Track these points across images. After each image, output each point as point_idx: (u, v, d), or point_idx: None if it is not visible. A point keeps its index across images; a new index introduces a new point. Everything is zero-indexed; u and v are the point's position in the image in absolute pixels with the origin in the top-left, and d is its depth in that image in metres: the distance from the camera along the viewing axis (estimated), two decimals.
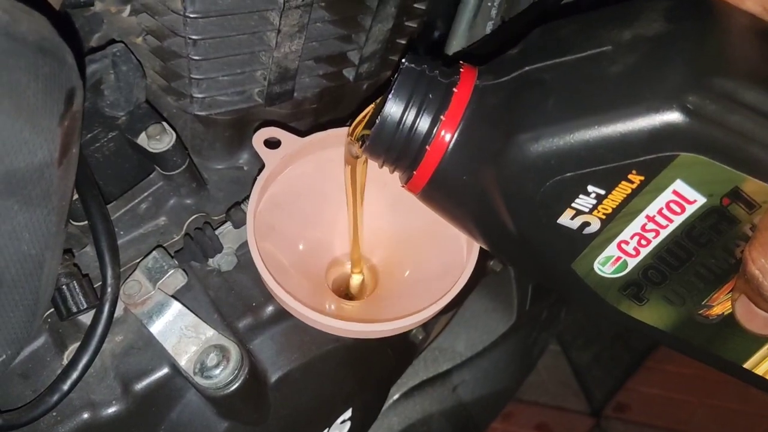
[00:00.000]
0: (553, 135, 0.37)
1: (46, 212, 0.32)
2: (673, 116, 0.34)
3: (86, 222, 0.50)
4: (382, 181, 0.55)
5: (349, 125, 0.49)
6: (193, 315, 0.50)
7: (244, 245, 0.55)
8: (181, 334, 0.49)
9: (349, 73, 0.62)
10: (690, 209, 0.37)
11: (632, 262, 0.40)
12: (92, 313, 0.48)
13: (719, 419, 1.36)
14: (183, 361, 0.48)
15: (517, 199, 0.39)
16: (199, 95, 0.55)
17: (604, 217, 0.38)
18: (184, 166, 0.54)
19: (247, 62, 0.55)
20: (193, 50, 0.51)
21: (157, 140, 0.52)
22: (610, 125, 0.36)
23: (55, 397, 0.46)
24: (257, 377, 0.52)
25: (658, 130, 0.35)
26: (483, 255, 0.50)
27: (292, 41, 0.54)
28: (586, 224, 0.39)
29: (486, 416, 0.92)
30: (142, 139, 0.53)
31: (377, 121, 0.42)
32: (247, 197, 0.53)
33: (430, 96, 0.42)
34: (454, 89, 0.42)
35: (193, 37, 0.50)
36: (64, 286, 0.48)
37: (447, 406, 0.84)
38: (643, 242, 0.39)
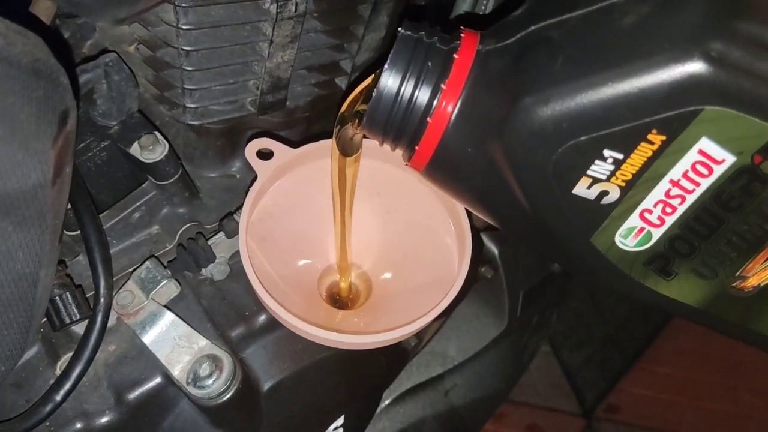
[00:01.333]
0: (564, 96, 0.34)
1: (40, 231, 0.32)
2: (695, 66, 0.31)
3: (79, 232, 0.50)
4: (374, 190, 0.56)
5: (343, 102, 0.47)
6: (186, 325, 0.50)
7: (237, 254, 0.55)
8: (174, 344, 0.49)
9: (341, 82, 0.62)
10: (718, 170, 0.34)
11: (657, 233, 0.37)
12: (85, 323, 0.48)
13: (708, 420, 1.37)
14: (176, 371, 0.49)
15: (528, 170, 0.36)
16: (192, 105, 0.55)
17: (623, 184, 0.35)
18: (176, 176, 0.55)
19: (239, 72, 0.55)
20: (186, 61, 0.52)
21: (150, 150, 0.53)
22: (625, 81, 0.32)
23: (48, 407, 0.46)
24: (250, 386, 0.52)
25: (679, 83, 0.31)
26: (474, 262, 0.50)
27: (284, 51, 0.54)
28: (605, 193, 0.35)
29: (478, 420, 0.93)
30: (134, 149, 0.53)
31: (373, 95, 0.40)
32: (240, 207, 0.53)
33: (429, 64, 0.39)
34: (455, 55, 0.39)
35: (186, 48, 0.51)
36: (57, 297, 0.48)
37: (439, 410, 0.85)
38: (668, 210, 0.36)
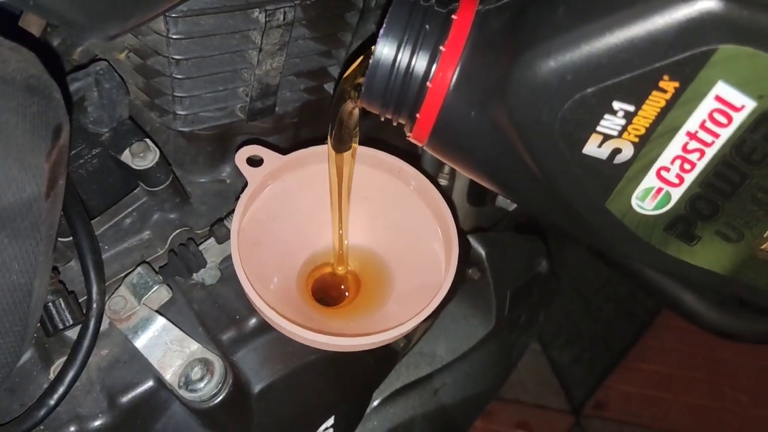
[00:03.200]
0: (566, 45, 0.31)
1: (34, 243, 0.33)
2: (705, 2, 0.29)
3: (71, 238, 0.51)
4: (362, 195, 0.56)
5: (342, 75, 0.45)
6: (178, 329, 0.51)
7: (227, 259, 0.56)
8: (166, 348, 0.50)
9: (330, 88, 0.63)
10: (738, 118, 0.31)
11: (676, 193, 0.34)
12: (78, 328, 0.49)
13: (693, 415, 1.39)
14: (168, 375, 0.49)
15: (533, 131, 0.34)
16: (182, 112, 0.56)
17: (636, 139, 0.32)
18: (167, 182, 0.55)
19: (229, 79, 0.56)
20: (176, 69, 0.52)
21: (141, 158, 0.53)
22: (631, 24, 0.30)
23: (43, 412, 0.47)
24: (241, 389, 0.53)
25: (689, 22, 0.29)
26: (462, 264, 0.51)
27: (273, 59, 0.55)
28: (617, 151, 0.33)
29: (467, 418, 0.94)
30: (126, 156, 0.54)
31: (370, 63, 0.38)
32: (230, 213, 0.54)
33: (427, 27, 0.37)
34: (453, 16, 0.37)
35: (176, 57, 0.51)
36: (50, 303, 0.48)
37: (428, 409, 0.85)
38: (687, 167, 0.33)
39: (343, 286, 0.59)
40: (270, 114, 0.60)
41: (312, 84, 0.61)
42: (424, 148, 0.40)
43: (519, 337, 0.94)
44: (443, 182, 0.78)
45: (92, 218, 0.55)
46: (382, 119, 0.42)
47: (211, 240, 0.55)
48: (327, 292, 0.58)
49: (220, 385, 0.49)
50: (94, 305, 0.48)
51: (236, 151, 0.54)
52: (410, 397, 0.84)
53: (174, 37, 0.50)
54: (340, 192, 0.52)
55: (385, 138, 0.75)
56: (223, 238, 0.54)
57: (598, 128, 0.32)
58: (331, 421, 0.64)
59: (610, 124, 0.32)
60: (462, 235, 0.77)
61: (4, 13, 0.45)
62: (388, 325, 0.48)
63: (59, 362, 0.51)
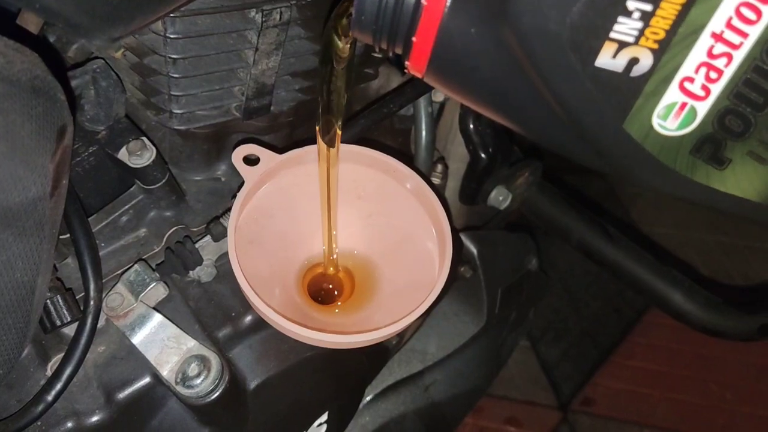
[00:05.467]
0: None
1: (38, 241, 0.33)
2: None
3: (68, 235, 0.51)
4: (357, 194, 0.57)
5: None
6: (175, 326, 0.52)
7: (223, 256, 0.57)
8: (163, 344, 0.51)
9: None
10: None
11: (703, 108, 0.30)
12: (75, 325, 0.49)
13: (680, 412, 1.41)
14: (165, 371, 0.50)
15: (540, 42, 0.30)
16: (178, 110, 0.56)
17: (655, 46, 0.29)
18: (164, 180, 0.56)
19: (225, 79, 0.56)
20: (173, 68, 0.53)
21: (138, 156, 0.54)
22: None
23: (40, 408, 0.47)
24: (237, 385, 0.53)
25: None
26: (454, 263, 0.52)
27: (269, 58, 0.56)
28: (634, 61, 0.29)
29: (457, 414, 0.95)
30: (122, 154, 0.54)
31: None
32: (226, 211, 0.55)
33: None
34: None
35: (173, 56, 0.52)
36: (48, 300, 0.49)
37: (420, 405, 0.87)
38: (713, 75, 0.29)
39: (338, 285, 0.59)
40: (265, 113, 0.60)
41: (307, 84, 0.61)
42: (424, 79, 0.37)
43: (509, 334, 0.95)
44: (436, 181, 0.79)
45: (89, 216, 0.55)
46: (377, 50, 0.38)
47: (208, 238, 0.55)
48: (322, 289, 0.59)
49: (216, 382, 0.49)
50: (92, 302, 0.49)
51: (232, 150, 0.54)
52: (402, 393, 0.85)
53: (171, 36, 0.50)
54: (329, 189, 0.53)
55: (378, 138, 0.75)
56: (220, 235, 0.55)
57: (612, 34, 0.29)
58: (325, 417, 0.64)
59: (625, 28, 0.29)
60: (454, 232, 0.78)
61: (2, 10, 0.45)
62: (383, 322, 0.49)
63: (56, 359, 0.51)
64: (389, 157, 0.55)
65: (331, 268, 0.58)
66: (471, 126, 0.80)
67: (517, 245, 0.93)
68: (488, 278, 0.83)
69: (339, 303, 0.58)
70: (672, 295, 0.82)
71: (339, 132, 0.50)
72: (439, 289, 0.49)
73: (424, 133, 0.73)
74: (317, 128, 0.50)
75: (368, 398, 0.83)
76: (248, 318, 0.55)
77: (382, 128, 0.75)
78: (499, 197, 0.85)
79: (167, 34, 0.50)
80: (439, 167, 0.79)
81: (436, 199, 0.53)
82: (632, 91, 0.30)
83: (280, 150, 0.55)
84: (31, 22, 0.45)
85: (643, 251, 0.86)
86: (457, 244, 0.79)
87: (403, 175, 0.55)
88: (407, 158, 0.75)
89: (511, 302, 0.90)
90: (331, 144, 0.50)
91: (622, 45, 0.29)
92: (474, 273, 0.82)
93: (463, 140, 0.82)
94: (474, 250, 0.81)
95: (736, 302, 0.84)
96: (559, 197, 0.90)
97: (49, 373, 0.51)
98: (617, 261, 0.85)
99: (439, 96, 0.78)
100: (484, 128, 0.81)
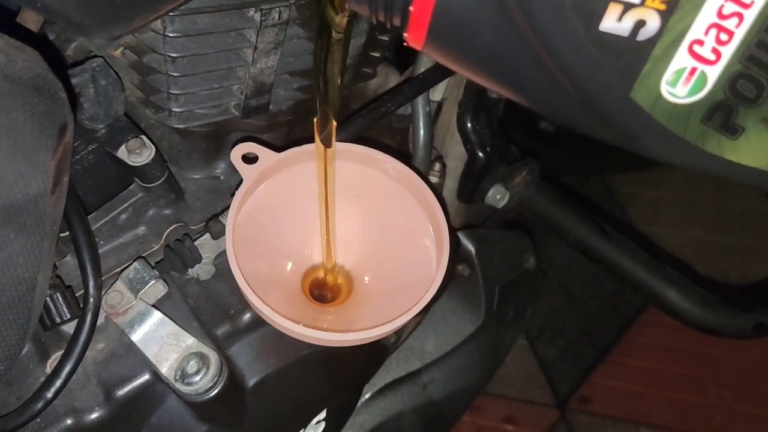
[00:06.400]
0: None
1: (39, 238, 0.33)
2: None
3: (67, 233, 0.51)
4: (355, 192, 0.57)
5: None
6: (174, 323, 0.52)
7: (222, 254, 0.57)
8: (162, 342, 0.51)
9: None
10: None
11: (713, 73, 0.29)
12: (75, 322, 0.50)
13: (676, 411, 1.41)
14: (164, 369, 0.50)
15: (541, 9, 0.29)
16: (177, 109, 0.56)
17: (663, 6, 0.27)
18: (163, 179, 0.56)
19: (224, 77, 0.56)
20: (172, 67, 0.53)
21: (137, 154, 0.54)
22: None
23: (40, 405, 0.48)
24: (235, 382, 0.54)
25: None
26: (451, 261, 0.52)
27: (268, 57, 0.56)
28: (641, 24, 0.28)
29: (455, 412, 0.95)
30: (121, 153, 0.54)
31: None
32: (225, 209, 0.55)
33: None
34: None
35: (172, 54, 0.52)
36: (48, 298, 0.49)
37: (418, 403, 0.87)
38: (724, 37, 0.28)
39: (335, 283, 0.59)
40: (264, 112, 0.61)
41: (306, 83, 0.61)
42: (424, 51, 0.36)
43: (507, 332, 0.95)
44: (434, 180, 0.79)
45: (88, 214, 0.56)
46: (374, 21, 0.37)
47: (206, 236, 0.56)
48: (320, 287, 0.59)
49: (215, 379, 0.50)
50: (91, 300, 0.49)
51: (231, 148, 0.54)
52: (400, 391, 0.86)
53: (170, 35, 0.50)
54: (326, 187, 0.53)
55: (377, 137, 0.76)
56: (218, 233, 0.55)
57: None
58: (323, 414, 0.65)
59: None
60: (452, 231, 0.78)
61: (2, 8, 0.46)
62: (381, 320, 0.49)
63: (56, 356, 0.52)
64: (388, 156, 0.56)
65: (329, 267, 0.58)
66: (469, 125, 0.81)
67: (514, 244, 0.93)
68: (486, 276, 0.83)
69: (337, 301, 0.58)
70: (667, 293, 0.83)
71: (335, 127, 0.50)
72: (437, 287, 0.49)
73: (421, 132, 0.73)
74: (315, 122, 0.50)
75: (366, 396, 0.84)
76: (247, 316, 0.55)
77: (381, 127, 0.76)
78: (497, 196, 0.85)
79: (166, 33, 0.50)
80: (437, 166, 0.79)
81: (434, 197, 0.54)
82: (639, 56, 0.29)
83: (278, 148, 0.55)
84: (31, 20, 0.45)
85: (638, 249, 0.86)
86: (455, 242, 0.79)
87: (402, 174, 0.56)
88: (405, 157, 0.75)
89: (509, 300, 0.91)
90: (327, 143, 0.50)
91: (628, 6, 0.28)
92: (472, 271, 0.82)
93: (460, 139, 0.82)
94: (472, 249, 0.82)
95: (732, 300, 0.85)
96: (556, 196, 0.91)
97: (48, 370, 0.51)
98: (613, 258, 0.85)
99: (436, 95, 0.78)
100: (482, 127, 0.82)
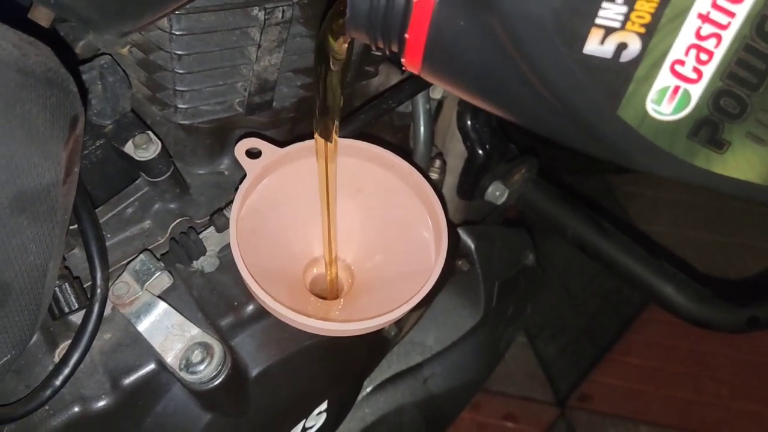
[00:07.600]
0: None
1: (51, 226, 0.35)
2: None
3: (75, 226, 0.52)
4: (356, 187, 0.59)
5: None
6: (179, 314, 0.53)
7: (226, 247, 0.58)
8: (168, 332, 0.52)
9: None
10: None
11: (696, 90, 0.30)
12: (82, 312, 0.51)
13: (675, 408, 1.42)
14: (169, 358, 0.51)
15: (525, 31, 0.30)
16: (183, 105, 0.58)
17: (642, 30, 0.29)
18: (168, 173, 0.57)
19: (228, 75, 0.58)
20: (178, 64, 0.54)
21: (144, 149, 0.55)
22: None
23: (48, 392, 0.49)
24: (239, 372, 0.55)
25: None
26: (451, 256, 0.53)
27: (271, 55, 0.57)
28: (623, 47, 0.29)
29: (455, 407, 0.96)
30: (128, 148, 0.55)
31: None
32: (229, 203, 0.56)
33: None
34: None
35: (178, 52, 0.53)
36: (56, 288, 0.50)
37: (418, 397, 0.88)
38: (704, 57, 0.29)
39: (337, 275, 0.61)
40: (267, 109, 0.62)
41: (308, 81, 0.63)
42: (421, 74, 0.37)
43: (506, 328, 0.96)
44: (434, 176, 0.80)
45: (95, 208, 0.57)
46: (374, 49, 0.39)
47: (211, 229, 0.57)
48: (322, 280, 0.60)
49: (219, 368, 0.51)
50: (99, 290, 0.50)
51: (235, 144, 0.56)
52: (401, 385, 0.87)
53: (176, 33, 0.52)
54: (327, 184, 0.54)
55: (378, 134, 0.77)
56: (223, 227, 0.56)
57: (598, 20, 0.29)
58: (324, 405, 0.66)
59: (609, 13, 0.29)
60: (452, 227, 0.79)
61: (14, 5, 0.47)
62: (381, 311, 0.50)
63: (64, 345, 0.53)
64: (389, 152, 0.57)
65: (331, 259, 0.59)
66: (468, 123, 0.82)
67: (513, 240, 0.94)
68: (485, 272, 0.84)
69: (338, 293, 0.59)
70: (663, 287, 0.84)
71: (336, 127, 0.51)
72: (436, 277, 0.51)
73: (422, 129, 0.74)
74: (315, 123, 0.51)
75: (367, 390, 0.85)
76: (250, 307, 0.57)
77: (382, 124, 0.77)
78: (496, 192, 0.86)
79: (173, 31, 0.51)
80: (437, 163, 0.80)
81: (433, 192, 0.55)
82: (623, 77, 0.30)
83: (281, 144, 0.56)
84: (42, 16, 0.46)
85: (636, 245, 0.87)
86: (453, 237, 0.81)
87: (402, 170, 0.57)
88: (406, 154, 0.76)
89: (508, 296, 0.92)
90: (328, 140, 0.52)
91: (609, 30, 0.29)
92: (471, 267, 0.83)
93: (460, 137, 0.83)
94: (471, 245, 0.83)
95: (726, 295, 0.86)
96: (555, 193, 0.92)
97: (56, 359, 0.52)
98: (610, 254, 0.86)
99: (437, 93, 0.79)
100: (482, 126, 0.83)
